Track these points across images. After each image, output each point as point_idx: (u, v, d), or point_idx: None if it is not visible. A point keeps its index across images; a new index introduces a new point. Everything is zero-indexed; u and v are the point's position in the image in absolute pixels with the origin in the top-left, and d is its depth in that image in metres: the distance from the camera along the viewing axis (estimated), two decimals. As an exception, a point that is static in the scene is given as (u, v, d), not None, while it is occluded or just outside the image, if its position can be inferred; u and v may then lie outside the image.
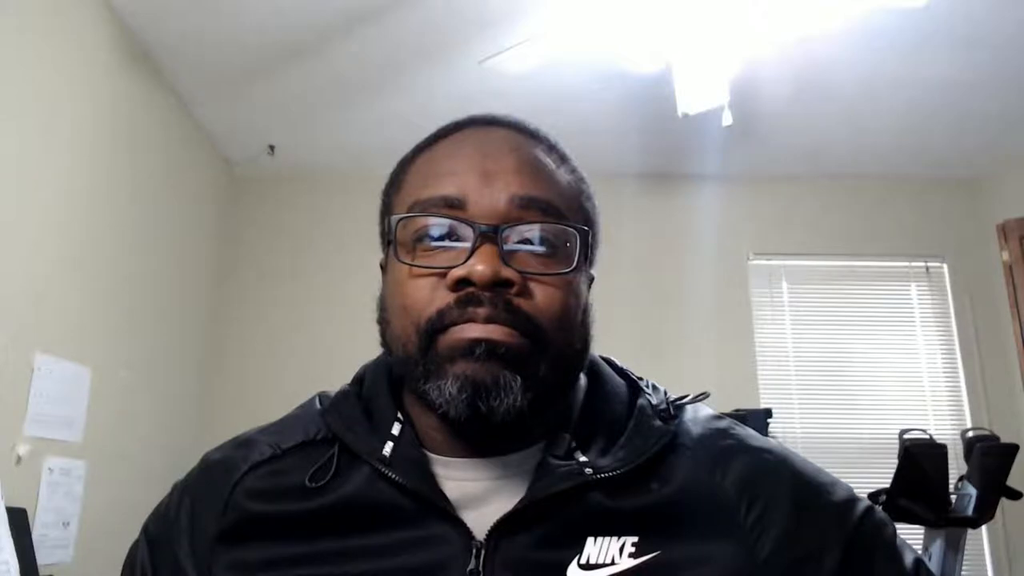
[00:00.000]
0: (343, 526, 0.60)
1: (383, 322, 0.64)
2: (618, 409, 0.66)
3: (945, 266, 3.38)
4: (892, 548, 0.63)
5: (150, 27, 2.38)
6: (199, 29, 2.40)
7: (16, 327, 1.88)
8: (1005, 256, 2.88)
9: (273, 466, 0.64)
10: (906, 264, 3.38)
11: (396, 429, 0.63)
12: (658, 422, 0.64)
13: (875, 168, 3.33)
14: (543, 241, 0.60)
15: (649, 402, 0.66)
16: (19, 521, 1.63)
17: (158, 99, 2.63)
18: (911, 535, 2.41)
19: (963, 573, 2.36)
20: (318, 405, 0.69)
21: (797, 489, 0.62)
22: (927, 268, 3.38)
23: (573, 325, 0.62)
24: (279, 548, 0.60)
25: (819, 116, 2.93)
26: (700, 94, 2.09)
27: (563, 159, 0.67)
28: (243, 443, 0.67)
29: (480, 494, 0.61)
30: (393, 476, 0.60)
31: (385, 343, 0.64)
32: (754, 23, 2.02)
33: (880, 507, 2.20)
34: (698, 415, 0.67)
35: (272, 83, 2.70)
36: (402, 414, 0.65)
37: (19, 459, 1.87)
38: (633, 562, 0.57)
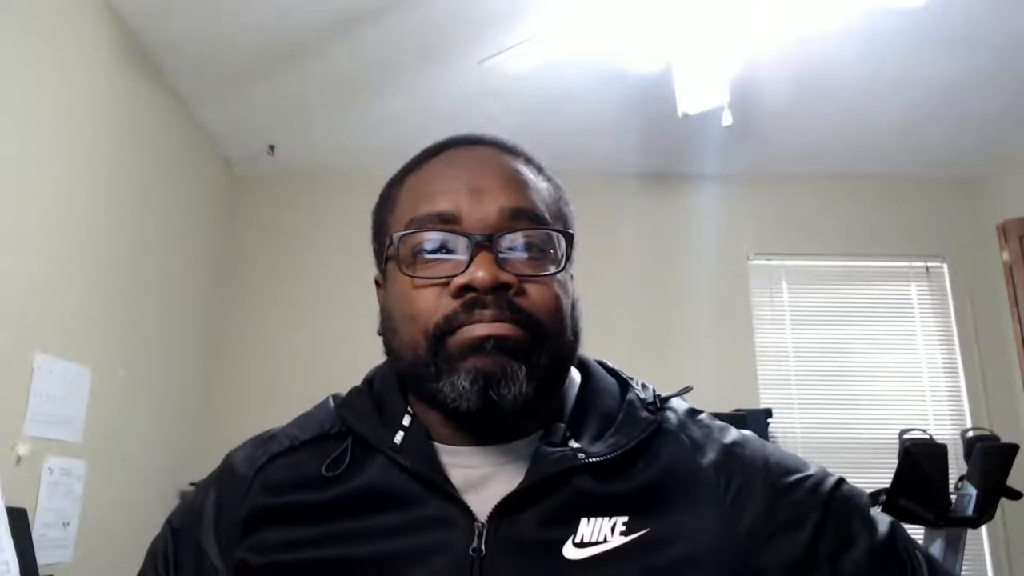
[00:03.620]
0: (357, 510, 0.65)
1: (388, 332, 0.69)
2: (609, 403, 0.71)
3: (945, 266, 3.38)
4: (866, 514, 0.67)
5: (150, 27, 2.38)
6: (199, 29, 2.40)
7: (16, 327, 1.88)
8: (1005, 256, 2.87)
9: (291, 457, 0.69)
10: (906, 264, 3.38)
11: (406, 421, 0.68)
12: (646, 413, 0.69)
13: (875, 168, 3.33)
14: (532, 246, 0.66)
15: (638, 396, 0.71)
16: (19, 521, 1.63)
17: (158, 99, 2.63)
18: (911, 535, 2.41)
19: (963, 573, 2.36)
20: (332, 403, 0.73)
21: (771, 468, 0.68)
22: (927, 268, 3.38)
23: (566, 318, 0.67)
24: (297, 531, 0.65)
25: (819, 116, 2.93)
26: (700, 94, 2.09)
27: (539, 170, 0.73)
28: (263, 439, 0.73)
29: (482, 478, 0.66)
30: (403, 462, 0.65)
31: (391, 352, 0.69)
32: (754, 23, 2.02)
33: (880, 506, 2.17)
34: (680, 407, 0.72)
35: (272, 83, 2.70)
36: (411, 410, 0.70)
37: (19, 459, 1.87)
38: (624, 539, 0.62)
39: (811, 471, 0.68)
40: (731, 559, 0.62)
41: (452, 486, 0.64)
